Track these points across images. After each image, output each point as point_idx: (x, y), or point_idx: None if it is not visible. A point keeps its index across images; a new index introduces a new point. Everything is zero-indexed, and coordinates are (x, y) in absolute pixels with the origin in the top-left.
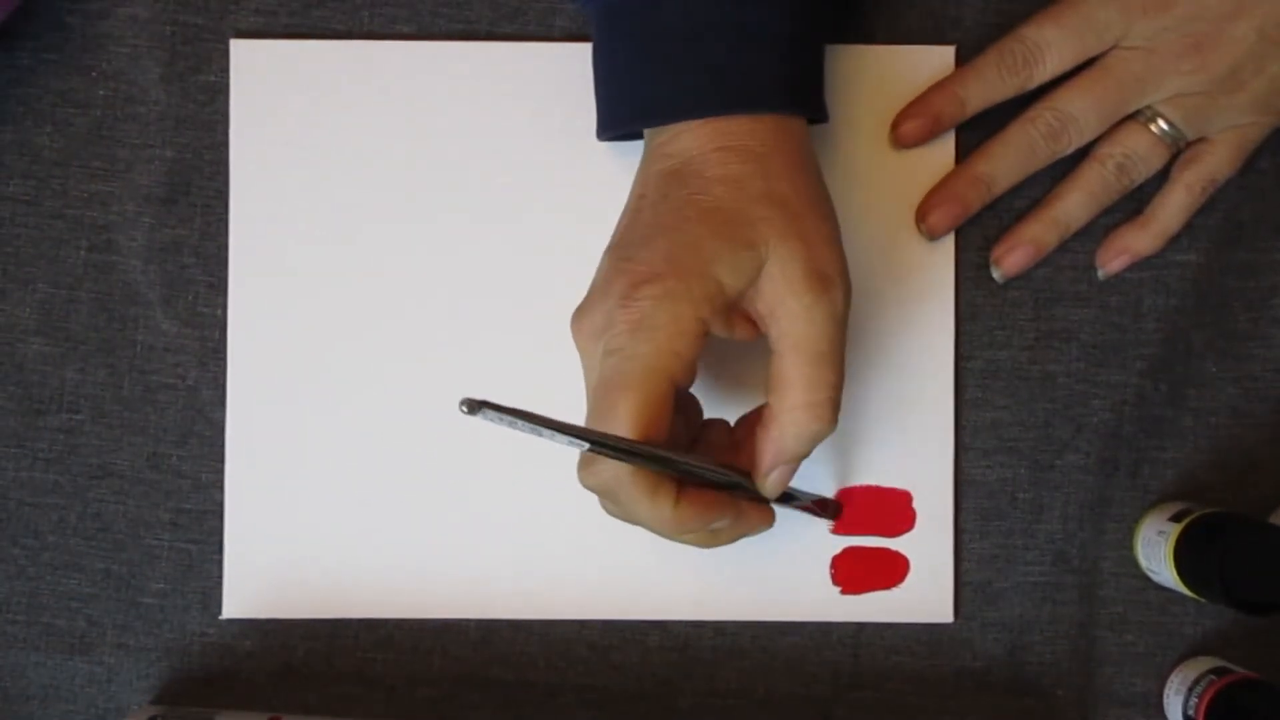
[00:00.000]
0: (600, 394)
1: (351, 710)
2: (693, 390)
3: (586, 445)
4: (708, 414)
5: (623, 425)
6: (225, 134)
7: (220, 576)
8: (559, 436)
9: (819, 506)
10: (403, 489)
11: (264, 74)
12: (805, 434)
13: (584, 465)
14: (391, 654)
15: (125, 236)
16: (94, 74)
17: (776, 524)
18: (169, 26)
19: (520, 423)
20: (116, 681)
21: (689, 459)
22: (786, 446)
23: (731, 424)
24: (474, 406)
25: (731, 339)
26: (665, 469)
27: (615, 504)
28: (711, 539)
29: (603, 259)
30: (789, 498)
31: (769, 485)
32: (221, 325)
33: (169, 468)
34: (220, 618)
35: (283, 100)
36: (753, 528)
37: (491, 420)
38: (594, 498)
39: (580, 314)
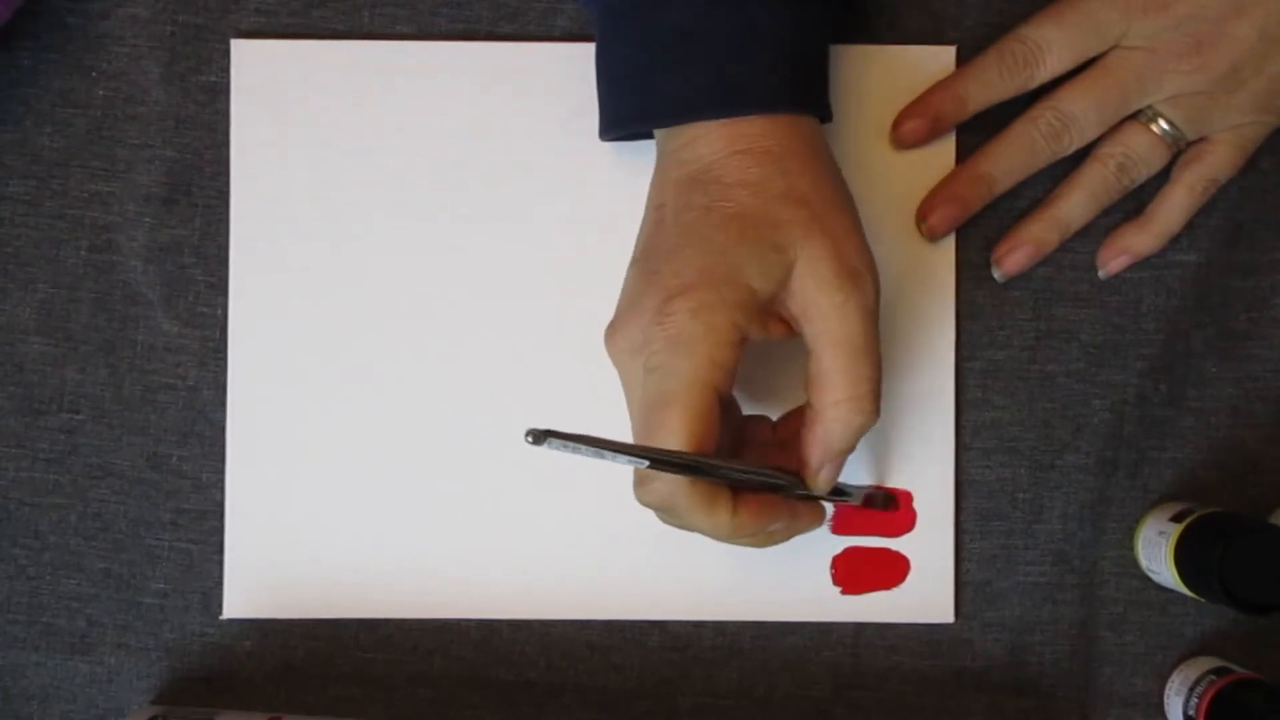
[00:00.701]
0: (647, 413)
1: (351, 710)
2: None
3: (646, 463)
4: (747, 411)
5: (673, 441)
6: (225, 134)
7: (220, 576)
8: (620, 458)
9: (869, 500)
10: (403, 489)
11: (264, 74)
12: (850, 428)
13: (640, 484)
14: (391, 654)
15: (125, 236)
16: (94, 74)
17: None
18: (169, 26)
19: (584, 448)
20: (116, 681)
21: (743, 466)
22: (833, 442)
23: (774, 420)
24: (539, 437)
25: (768, 341)
26: (721, 478)
27: (674, 517)
28: (768, 539)
29: (629, 272)
30: (840, 493)
31: (820, 482)
32: (221, 325)
33: (169, 468)
34: (220, 618)
35: (283, 100)
36: (807, 526)
37: (556, 449)
38: (595, 500)
39: (614, 331)
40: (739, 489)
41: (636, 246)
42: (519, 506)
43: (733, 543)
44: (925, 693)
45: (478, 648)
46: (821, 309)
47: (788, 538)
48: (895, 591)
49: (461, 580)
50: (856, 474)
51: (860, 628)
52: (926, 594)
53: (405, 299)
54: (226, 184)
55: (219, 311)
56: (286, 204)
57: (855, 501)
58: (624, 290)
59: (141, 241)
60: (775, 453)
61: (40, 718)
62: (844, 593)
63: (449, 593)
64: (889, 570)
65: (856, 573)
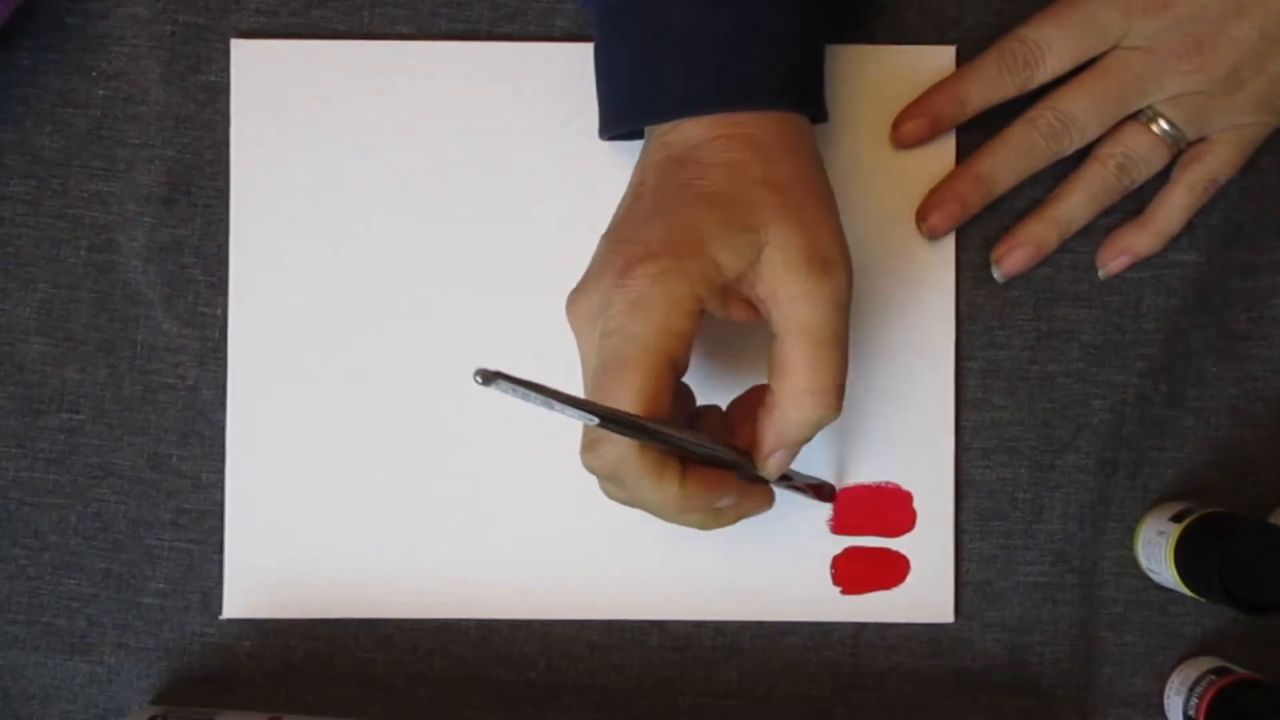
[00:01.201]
0: (600, 375)
1: (351, 710)
2: (685, 379)
3: (596, 420)
4: (701, 400)
5: (625, 404)
6: (225, 134)
7: (220, 576)
8: (570, 410)
9: (814, 490)
10: (403, 489)
11: (264, 74)
12: (808, 420)
13: (588, 448)
14: (391, 654)
15: (125, 236)
16: (94, 74)
17: (777, 524)
18: (169, 26)
19: (533, 395)
20: (116, 681)
21: (694, 436)
22: (788, 431)
23: (724, 408)
24: (488, 377)
25: (728, 320)
26: (672, 445)
27: (619, 486)
28: (714, 519)
29: (599, 244)
30: (786, 479)
31: (770, 467)
32: (221, 325)
33: (169, 468)
34: (220, 618)
35: (283, 100)
36: (755, 508)
37: (505, 391)
38: (595, 499)
39: (576, 296)
40: (687, 461)
41: (611, 221)
42: (519, 506)
43: (678, 520)
44: (925, 693)
45: (478, 648)
46: (790, 294)
47: (735, 519)
48: (895, 591)
49: (461, 580)
50: (857, 473)
51: (860, 628)
52: (926, 594)
53: (405, 299)
54: (226, 184)
55: (219, 311)
56: (286, 204)
57: (798, 487)
58: (591, 260)
59: (141, 241)
60: (724, 438)
61: (40, 718)
62: (844, 593)
63: (449, 593)
64: (889, 570)
65: (856, 573)
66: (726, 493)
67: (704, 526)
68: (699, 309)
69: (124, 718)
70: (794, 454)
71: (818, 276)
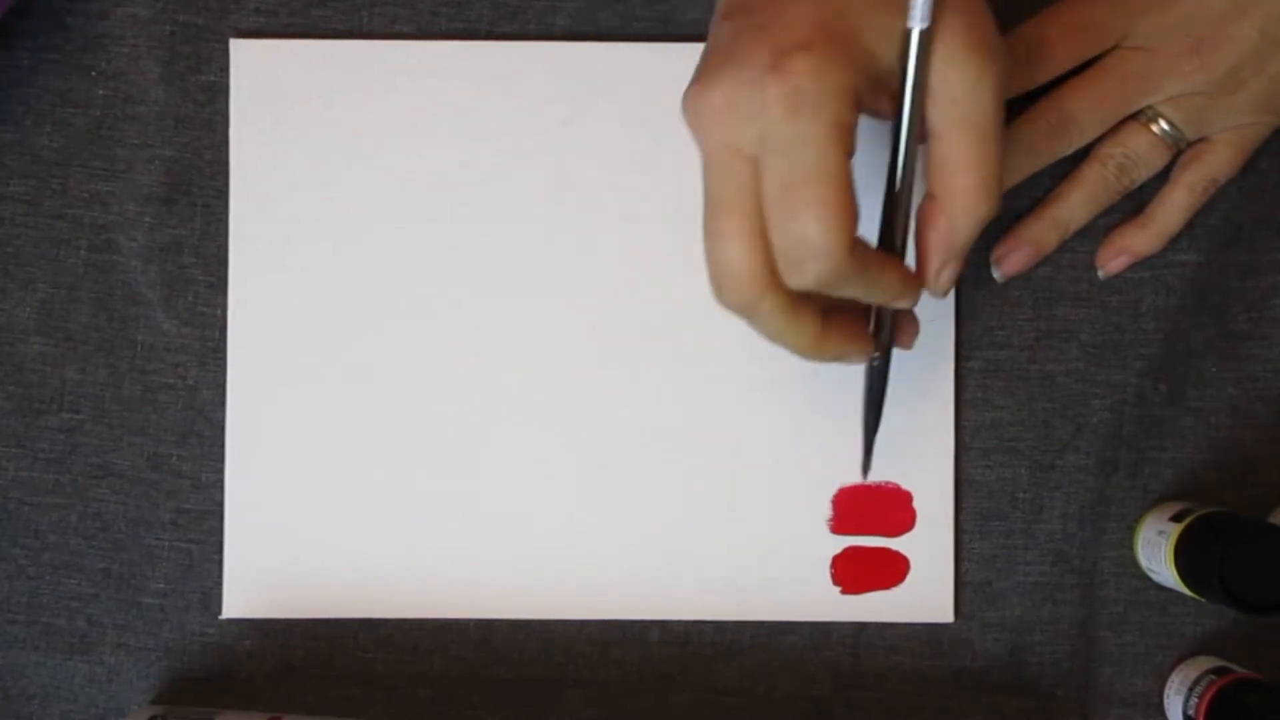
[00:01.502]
0: (786, 196)
1: (351, 710)
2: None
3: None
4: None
5: (822, 220)
6: (225, 134)
7: (220, 576)
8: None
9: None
10: (403, 489)
11: (264, 74)
12: (977, 217)
13: (793, 268)
14: (391, 654)
15: (125, 236)
16: (94, 74)
17: (775, 523)
18: (169, 26)
19: None
20: (116, 681)
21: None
22: (959, 234)
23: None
24: None
25: (876, 118)
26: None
27: (818, 295)
28: (819, 346)
29: (716, 30)
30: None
31: (944, 281)
32: (221, 325)
33: (169, 468)
34: (220, 618)
35: (283, 100)
36: (904, 293)
37: None
38: (594, 499)
39: (704, 88)
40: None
41: (722, 9)
42: (519, 506)
43: (802, 338)
44: (925, 693)
45: (478, 648)
46: (951, 87)
47: (833, 357)
48: (895, 591)
49: (461, 580)
50: (857, 473)
51: (860, 628)
52: (926, 594)
53: (405, 299)
54: (226, 184)
55: (219, 311)
56: (286, 204)
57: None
58: (711, 48)
59: (141, 241)
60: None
61: (40, 718)
62: (844, 592)
63: (449, 593)
64: (889, 570)
65: (856, 572)
66: (906, 279)
67: (809, 351)
68: (859, 106)
69: (124, 718)
70: (960, 267)
71: (979, 66)
